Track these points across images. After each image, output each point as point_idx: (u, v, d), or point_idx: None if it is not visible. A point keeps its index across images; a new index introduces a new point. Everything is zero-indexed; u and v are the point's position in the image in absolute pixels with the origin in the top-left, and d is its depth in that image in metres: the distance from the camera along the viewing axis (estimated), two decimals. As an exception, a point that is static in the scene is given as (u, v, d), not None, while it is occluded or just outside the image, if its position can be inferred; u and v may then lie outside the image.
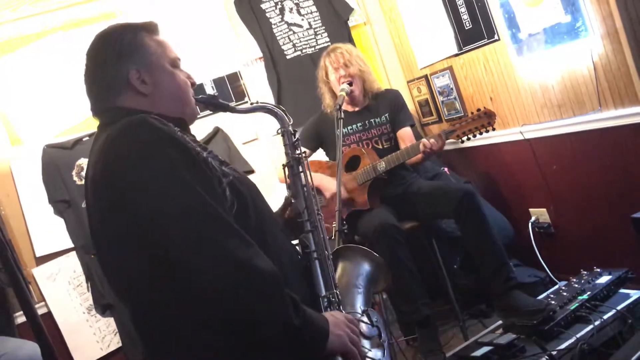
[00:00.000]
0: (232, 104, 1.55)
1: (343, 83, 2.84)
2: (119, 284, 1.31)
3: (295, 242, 1.51)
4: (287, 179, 1.55)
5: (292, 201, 1.50)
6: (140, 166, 1.18)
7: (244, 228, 1.22)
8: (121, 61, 1.36)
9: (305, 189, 1.50)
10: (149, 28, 1.43)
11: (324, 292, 1.38)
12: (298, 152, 1.54)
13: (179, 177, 1.18)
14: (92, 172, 1.27)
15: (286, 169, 1.54)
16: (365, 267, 1.60)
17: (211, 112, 1.60)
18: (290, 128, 1.56)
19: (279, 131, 1.58)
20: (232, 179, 1.31)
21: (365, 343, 1.36)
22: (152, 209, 1.16)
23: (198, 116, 1.55)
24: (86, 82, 1.44)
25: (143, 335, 1.31)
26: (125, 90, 1.36)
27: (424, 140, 2.58)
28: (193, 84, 1.47)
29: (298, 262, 1.44)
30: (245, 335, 1.17)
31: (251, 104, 1.59)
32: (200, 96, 1.50)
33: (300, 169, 1.52)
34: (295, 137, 1.57)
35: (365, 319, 1.42)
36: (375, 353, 1.37)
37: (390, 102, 2.99)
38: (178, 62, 1.45)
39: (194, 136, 1.40)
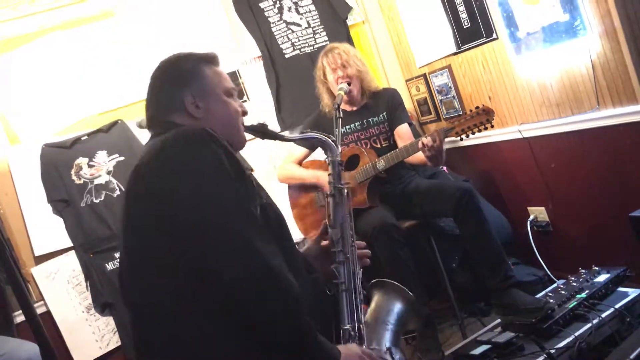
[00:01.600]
0: (280, 132, 1.60)
1: (341, 83, 2.84)
2: (142, 277, 1.31)
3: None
4: (329, 209, 1.59)
5: (329, 230, 1.54)
6: (196, 167, 1.25)
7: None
8: (179, 86, 1.47)
9: (343, 219, 1.54)
10: (209, 59, 1.54)
11: (346, 325, 1.40)
12: (342, 182, 1.59)
13: (229, 181, 1.26)
14: (140, 161, 1.34)
15: (329, 198, 1.58)
16: (398, 305, 1.61)
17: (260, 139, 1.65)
18: (338, 158, 1.62)
19: (328, 161, 1.63)
20: (264, 203, 1.39)
21: None
22: (200, 207, 1.21)
23: None
24: (147, 101, 1.53)
25: (149, 337, 1.30)
26: (180, 112, 1.46)
27: (423, 138, 2.57)
28: (244, 112, 1.55)
29: (316, 296, 1.45)
30: (259, 343, 1.20)
31: (301, 132, 1.65)
32: (250, 125, 1.56)
33: (341, 200, 1.57)
34: (342, 167, 1.61)
35: (388, 357, 1.44)
36: None
37: (388, 100, 2.99)
38: (233, 91, 1.54)
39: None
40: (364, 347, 1.40)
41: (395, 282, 1.65)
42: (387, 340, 1.50)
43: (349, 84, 2.85)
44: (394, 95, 3.03)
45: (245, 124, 1.55)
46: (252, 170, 3.35)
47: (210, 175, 1.24)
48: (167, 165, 1.27)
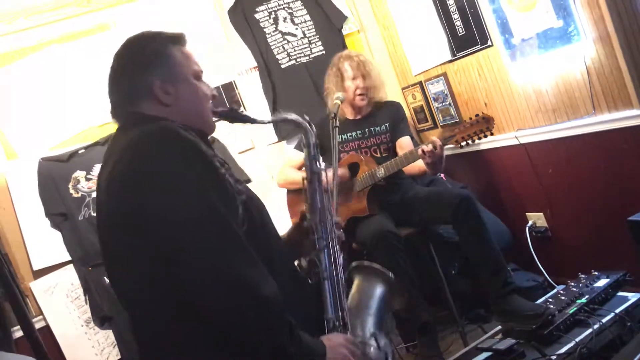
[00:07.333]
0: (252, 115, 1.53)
1: (359, 95, 2.89)
2: (123, 287, 1.30)
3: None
4: (306, 195, 1.53)
5: (307, 216, 1.49)
6: (168, 175, 1.19)
7: (251, 248, 1.23)
8: (146, 70, 1.38)
9: (321, 203, 1.49)
10: (177, 39, 1.48)
11: (330, 315, 1.37)
12: (317, 165, 1.53)
13: (203, 191, 1.20)
14: (111, 170, 1.27)
15: (306, 183, 1.53)
16: (379, 288, 1.56)
17: (230, 123, 1.58)
18: (313, 140, 1.54)
19: (302, 143, 1.56)
20: (245, 198, 1.32)
21: None
22: (173, 218, 1.17)
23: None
24: (109, 84, 1.45)
25: (142, 344, 1.31)
26: (148, 99, 1.38)
27: (423, 145, 2.58)
28: (214, 96, 1.48)
29: (299, 286, 1.43)
30: (240, 355, 1.18)
31: (273, 113, 1.58)
32: (219, 109, 1.49)
33: (319, 184, 1.51)
34: (317, 150, 1.55)
35: (372, 342, 1.41)
36: None
37: (392, 113, 3.02)
38: (201, 74, 1.47)
39: (212, 149, 1.39)
40: (347, 334, 1.37)
41: (375, 265, 1.60)
42: (371, 325, 1.47)
43: (366, 95, 2.90)
44: (399, 108, 3.08)
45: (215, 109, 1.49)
46: (249, 180, 3.35)
47: (184, 183, 1.19)
48: (139, 173, 1.21)
